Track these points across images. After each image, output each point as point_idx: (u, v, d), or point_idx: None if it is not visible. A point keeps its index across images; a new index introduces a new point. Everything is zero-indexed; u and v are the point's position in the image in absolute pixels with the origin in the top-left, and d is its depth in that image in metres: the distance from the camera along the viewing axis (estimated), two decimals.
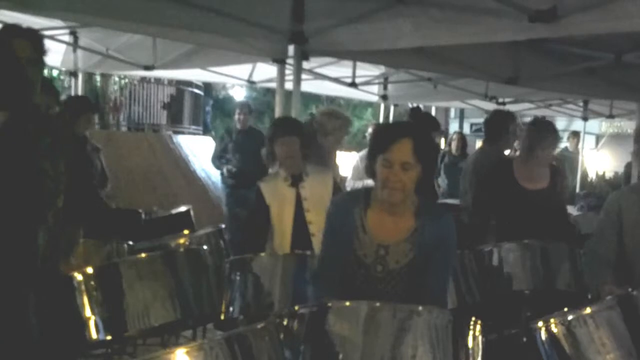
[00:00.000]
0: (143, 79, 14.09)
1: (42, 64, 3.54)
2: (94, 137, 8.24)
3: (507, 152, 6.79)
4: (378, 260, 3.30)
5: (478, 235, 4.95)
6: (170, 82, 14.93)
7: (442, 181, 10.50)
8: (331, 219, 3.43)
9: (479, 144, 11.17)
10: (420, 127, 3.36)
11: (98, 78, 13.58)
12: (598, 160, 21.54)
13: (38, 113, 3.34)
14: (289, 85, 6.22)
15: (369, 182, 3.51)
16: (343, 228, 3.34)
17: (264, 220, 4.70)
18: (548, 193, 5.04)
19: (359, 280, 3.33)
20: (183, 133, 14.61)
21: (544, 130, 5.06)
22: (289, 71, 6.30)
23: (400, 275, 3.30)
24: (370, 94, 10.45)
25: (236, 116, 9.30)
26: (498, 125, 6.30)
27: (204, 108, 17.37)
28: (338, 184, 4.85)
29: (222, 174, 9.36)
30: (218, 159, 9.37)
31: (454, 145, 10.65)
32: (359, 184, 6.60)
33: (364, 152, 8.60)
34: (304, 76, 6.51)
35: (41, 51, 3.51)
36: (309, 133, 5.89)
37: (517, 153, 5.63)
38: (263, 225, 4.71)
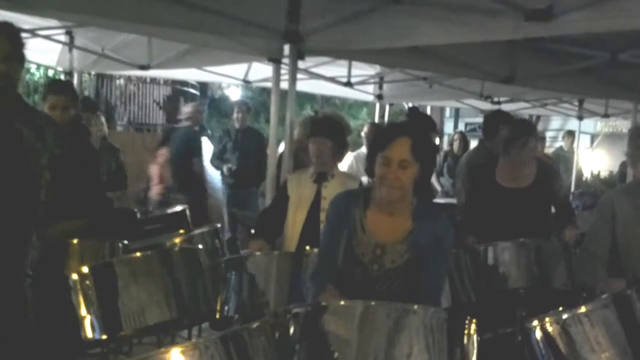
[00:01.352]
0: (138, 79, 14.08)
1: (22, 58, 3.45)
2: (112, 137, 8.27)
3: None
4: (375, 259, 3.33)
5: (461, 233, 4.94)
6: (166, 81, 14.91)
7: (445, 181, 10.52)
8: (330, 217, 3.46)
9: (473, 143, 11.17)
10: (418, 126, 3.38)
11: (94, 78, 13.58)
12: (593, 159, 21.55)
13: (22, 107, 3.34)
14: (284, 85, 6.22)
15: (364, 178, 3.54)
16: (342, 227, 3.36)
17: (280, 207, 4.84)
18: (531, 192, 5.00)
19: (356, 279, 3.34)
20: None
21: (517, 130, 5.04)
22: (284, 71, 6.30)
23: (396, 274, 3.32)
24: (365, 93, 10.45)
25: (234, 115, 9.29)
26: (493, 125, 6.30)
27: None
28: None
29: (222, 173, 9.32)
30: (218, 159, 9.33)
31: (455, 145, 10.67)
32: None
33: (358, 151, 8.64)
34: (299, 76, 6.51)
35: (18, 44, 3.38)
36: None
37: None
38: (279, 212, 4.84)
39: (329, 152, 4.77)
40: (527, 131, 5.02)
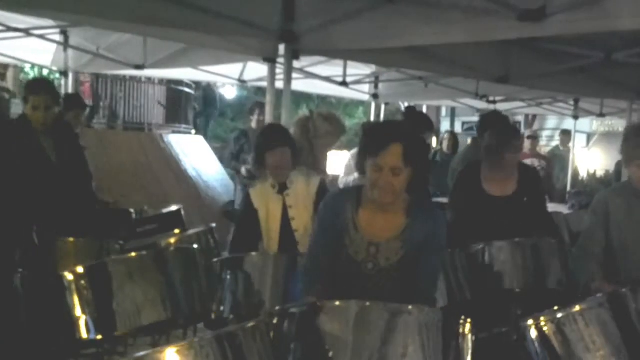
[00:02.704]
0: (132, 78, 14.06)
1: None
2: (86, 136, 8.24)
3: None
4: (369, 258, 3.33)
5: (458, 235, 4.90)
6: (161, 81, 14.90)
7: (432, 179, 10.49)
8: (323, 216, 3.45)
9: (469, 142, 11.18)
10: (410, 131, 3.34)
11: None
12: (589, 158, 21.56)
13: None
14: (279, 84, 6.22)
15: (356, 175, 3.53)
16: (335, 226, 3.37)
17: (253, 224, 4.70)
18: (514, 200, 4.92)
19: (350, 278, 3.35)
20: (174, 132, 14.58)
21: (509, 133, 4.96)
22: (279, 70, 6.30)
23: (391, 272, 3.33)
24: (361, 92, 10.46)
25: (255, 116, 9.08)
26: (490, 126, 6.26)
27: (211, 107, 17.45)
28: (325, 185, 4.83)
29: (239, 174, 9.19)
30: (234, 159, 9.21)
31: (445, 144, 10.65)
32: (350, 179, 6.62)
33: (355, 150, 8.62)
34: (294, 75, 6.51)
35: None
36: (304, 130, 5.93)
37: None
38: (252, 229, 4.71)
39: (290, 162, 4.68)
40: (516, 133, 4.98)
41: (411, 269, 3.32)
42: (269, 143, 4.66)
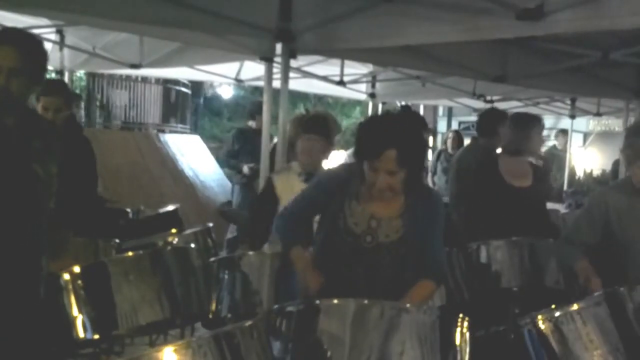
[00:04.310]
0: (129, 78, 14.04)
1: (33, 74, 3.29)
2: None
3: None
4: (369, 231, 3.36)
5: (463, 232, 4.93)
6: (158, 80, 14.88)
7: (438, 179, 10.50)
8: (325, 180, 3.56)
9: (467, 142, 11.18)
10: (405, 132, 3.32)
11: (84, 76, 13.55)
12: (586, 158, 21.58)
13: (27, 117, 3.30)
14: (276, 84, 6.21)
15: None
16: (331, 191, 3.42)
17: (272, 211, 4.68)
18: (532, 191, 5.02)
19: (346, 249, 3.38)
20: (170, 132, 14.56)
21: (531, 121, 5.11)
22: (276, 69, 6.29)
23: (389, 249, 3.35)
24: (358, 92, 10.45)
25: (258, 117, 8.93)
26: (491, 124, 6.26)
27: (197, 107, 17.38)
28: None
29: (237, 173, 9.13)
30: (233, 158, 9.15)
31: (449, 143, 10.63)
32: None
33: (352, 150, 8.61)
34: (291, 74, 6.50)
35: (31, 59, 3.15)
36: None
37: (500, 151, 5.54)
38: (270, 216, 4.70)
39: (320, 150, 4.72)
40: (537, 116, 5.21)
41: (409, 249, 3.35)
42: (305, 127, 4.74)
